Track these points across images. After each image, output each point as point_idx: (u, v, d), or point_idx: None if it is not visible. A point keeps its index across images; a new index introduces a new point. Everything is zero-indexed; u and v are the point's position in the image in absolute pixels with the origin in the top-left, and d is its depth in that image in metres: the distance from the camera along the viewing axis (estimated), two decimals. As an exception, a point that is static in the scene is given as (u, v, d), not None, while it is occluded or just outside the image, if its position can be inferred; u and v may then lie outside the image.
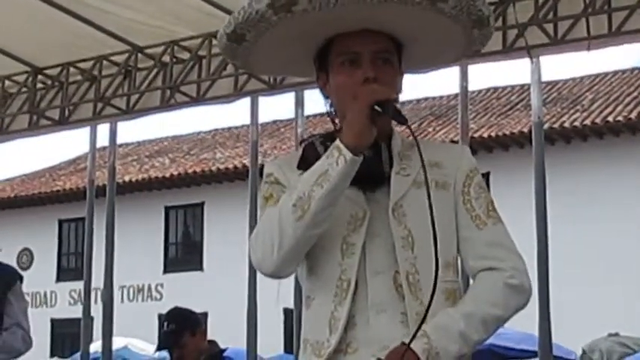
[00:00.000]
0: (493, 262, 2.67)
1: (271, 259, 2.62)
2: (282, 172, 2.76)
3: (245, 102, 7.67)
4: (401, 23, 2.71)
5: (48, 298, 26.71)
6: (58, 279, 26.83)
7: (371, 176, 2.67)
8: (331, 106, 2.80)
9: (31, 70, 8.19)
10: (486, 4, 2.73)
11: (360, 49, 2.68)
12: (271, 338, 15.09)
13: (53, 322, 26.19)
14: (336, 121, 2.78)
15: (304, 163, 2.70)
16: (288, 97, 7.69)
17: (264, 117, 22.04)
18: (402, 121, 2.56)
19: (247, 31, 2.66)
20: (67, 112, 8.22)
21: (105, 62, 7.88)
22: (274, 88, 7.30)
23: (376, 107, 2.56)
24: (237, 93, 7.45)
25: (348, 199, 2.63)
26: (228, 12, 5.77)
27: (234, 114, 55.43)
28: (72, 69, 8.05)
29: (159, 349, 6.37)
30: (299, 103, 7.67)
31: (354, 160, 2.54)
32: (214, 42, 7.27)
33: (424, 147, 2.68)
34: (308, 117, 9.45)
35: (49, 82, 8.24)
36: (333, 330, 2.63)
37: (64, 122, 8.26)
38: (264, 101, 7.72)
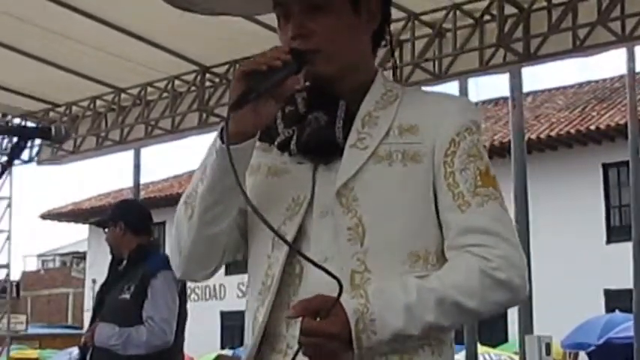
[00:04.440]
0: (474, 249, 2.09)
1: (176, 263, 2.25)
2: None
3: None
4: None
5: (217, 292, 27.26)
6: (227, 272, 27.37)
7: (321, 147, 2.17)
8: None
9: (199, 69, 8.43)
10: None
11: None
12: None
13: (222, 314, 26.78)
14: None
15: (265, 135, 2.21)
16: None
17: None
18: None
19: None
20: (235, 110, 8.42)
21: (271, 58, 8.03)
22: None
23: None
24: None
25: (294, 178, 2.18)
26: None
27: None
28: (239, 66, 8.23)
29: None
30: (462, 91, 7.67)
31: (223, 150, 2.04)
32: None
33: (405, 102, 2.20)
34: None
35: (217, 80, 8.46)
36: (253, 333, 2.17)
37: (233, 119, 8.46)
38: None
